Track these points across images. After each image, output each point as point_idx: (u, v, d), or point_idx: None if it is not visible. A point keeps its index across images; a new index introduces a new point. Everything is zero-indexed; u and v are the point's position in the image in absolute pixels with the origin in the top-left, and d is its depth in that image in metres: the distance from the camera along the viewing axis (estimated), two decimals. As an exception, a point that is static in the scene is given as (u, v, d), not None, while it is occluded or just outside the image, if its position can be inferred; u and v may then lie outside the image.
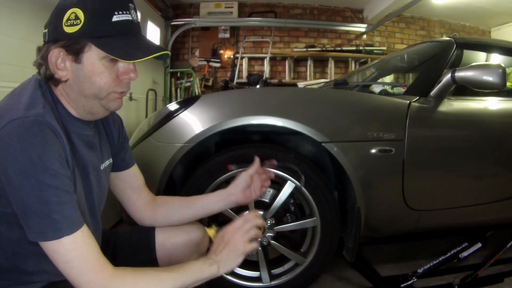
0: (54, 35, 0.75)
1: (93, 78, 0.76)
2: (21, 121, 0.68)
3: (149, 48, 0.78)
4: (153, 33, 4.00)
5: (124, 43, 0.75)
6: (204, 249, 1.13)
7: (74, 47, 0.73)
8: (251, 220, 0.90)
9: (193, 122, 1.38)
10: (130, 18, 0.77)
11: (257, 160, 1.09)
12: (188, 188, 1.39)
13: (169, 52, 0.81)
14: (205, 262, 0.84)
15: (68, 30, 0.73)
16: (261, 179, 1.10)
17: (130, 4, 0.78)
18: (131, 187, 1.03)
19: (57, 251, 0.69)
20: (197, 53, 4.71)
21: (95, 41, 0.73)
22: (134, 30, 0.79)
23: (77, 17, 0.72)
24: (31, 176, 0.66)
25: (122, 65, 0.79)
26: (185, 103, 1.43)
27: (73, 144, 0.79)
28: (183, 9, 4.65)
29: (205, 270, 0.82)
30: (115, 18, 0.74)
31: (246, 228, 0.89)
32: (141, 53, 0.76)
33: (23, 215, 0.69)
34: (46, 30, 0.77)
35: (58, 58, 0.75)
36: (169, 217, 1.06)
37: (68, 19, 0.73)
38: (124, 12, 0.76)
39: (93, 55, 0.74)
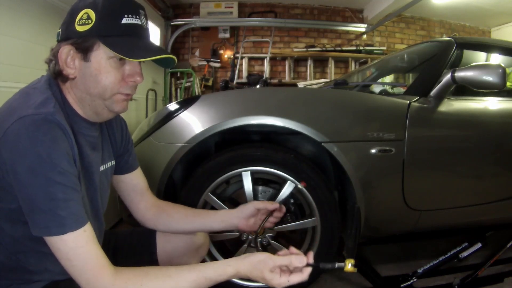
0: (66, 33, 0.78)
1: (99, 77, 0.78)
2: (31, 118, 0.69)
3: (155, 50, 0.80)
4: (153, 33, 4.00)
5: (131, 43, 0.77)
6: (204, 253, 1.14)
7: (83, 45, 0.76)
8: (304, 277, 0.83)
9: (193, 122, 1.38)
10: (139, 23, 0.80)
11: (276, 205, 1.07)
12: (188, 188, 1.39)
13: (175, 58, 0.82)
14: (228, 271, 0.79)
15: (80, 28, 0.76)
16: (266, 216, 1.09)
17: (141, 11, 0.81)
18: (135, 190, 1.04)
19: (59, 248, 0.70)
20: (197, 53, 4.71)
21: (103, 39, 0.76)
22: (142, 34, 0.81)
23: (89, 17, 0.76)
24: (39, 173, 0.67)
25: (128, 67, 0.81)
26: (185, 103, 1.43)
27: (79, 145, 0.80)
28: (183, 9, 4.65)
29: (220, 278, 0.79)
30: (124, 20, 0.77)
31: (291, 281, 0.81)
32: (146, 54, 0.78)
33: (29, 211, 0.70)
34: (60, 30, 0.80)
35: (68, 56, 0.77)
36: (169, 227, 1.06)
37: (81, 19, 0.76)
38: (134, 16, 0.79)
39: (101, 54, 0.77)
